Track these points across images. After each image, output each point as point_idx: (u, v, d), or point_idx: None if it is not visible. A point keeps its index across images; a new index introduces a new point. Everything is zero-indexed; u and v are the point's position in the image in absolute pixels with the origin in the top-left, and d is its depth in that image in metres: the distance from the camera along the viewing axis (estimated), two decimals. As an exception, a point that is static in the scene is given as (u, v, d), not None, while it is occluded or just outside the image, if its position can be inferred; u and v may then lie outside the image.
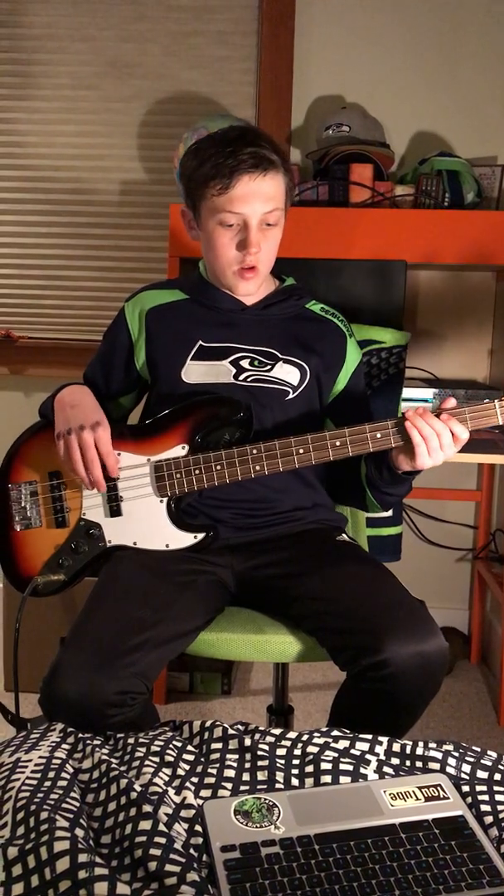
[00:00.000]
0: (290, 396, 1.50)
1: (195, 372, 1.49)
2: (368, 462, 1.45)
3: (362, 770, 1.00)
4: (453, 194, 2.18)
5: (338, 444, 1.37)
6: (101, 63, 2.55)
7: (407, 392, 1.99)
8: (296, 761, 1.02)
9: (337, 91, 2.47)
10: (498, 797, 0.96)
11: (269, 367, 1.50)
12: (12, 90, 2.58)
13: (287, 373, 1.50)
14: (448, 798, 0.95)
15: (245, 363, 1.49)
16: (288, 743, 1.05)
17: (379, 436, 1.36)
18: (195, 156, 1.44)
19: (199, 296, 1.54)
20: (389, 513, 1.88)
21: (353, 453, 1.37)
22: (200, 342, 1.50)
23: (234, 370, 1.48)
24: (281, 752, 1.03)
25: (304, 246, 2.09)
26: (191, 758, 1.02)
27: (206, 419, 1.42)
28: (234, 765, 1.00)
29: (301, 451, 1.38)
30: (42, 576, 1.45)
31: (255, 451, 1.38)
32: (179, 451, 1.43)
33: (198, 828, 0.90)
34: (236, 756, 1.02)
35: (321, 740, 1.05)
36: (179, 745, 1.04)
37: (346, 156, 2.19)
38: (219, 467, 1.39)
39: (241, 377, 1.48)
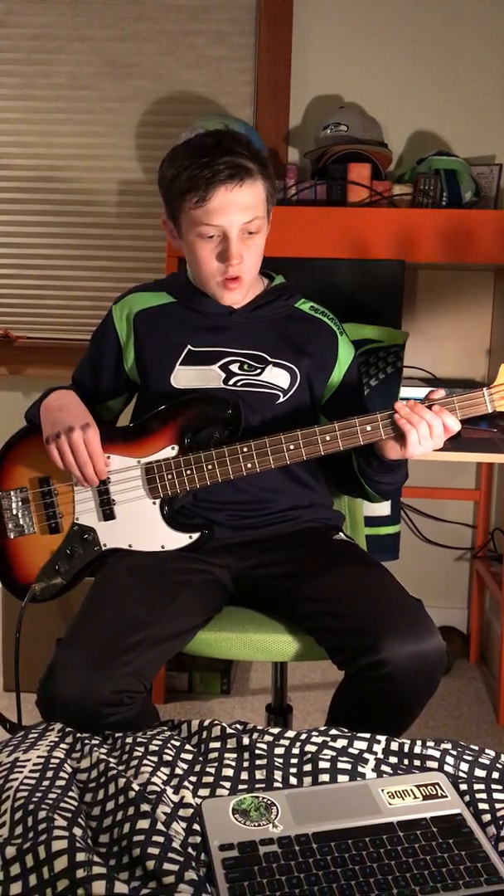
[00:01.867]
0: (281, 400, 1.49)
1: (184, 377, 1.48)
2: (357, 454, 1.45)
3: (360, 769, 1.00)
4: (451, 193, 2.18)
5: (328, 438, 1.37)
6: (99, 63, 2.55)
7: (405, 391, 1.99)
8: (294, 760, 1.02)
9: (335, 91, 2.47)
10: (496, 795, 0.96)
11: (258, 370, 1.49)
12: (11, 90, 2.58)
13: (277, 376, 1.49)
14: (446, 797, 0.95)
15: (234, 367, 1.48)
16: (286, 742, 1.05)
17: (369, 428, 1.36)
18: (171, 165, 1.42)
19: (186, 300, 1.53)
20: (387, 511, 1.88)
21: (344, 447, 1.37)
22: (189, 347, 1.50)
23: (223, 375, 1.48)
24: (279, 750, 1.03)
25: (302, 245, 2.09)
26: (189, 757, 1.02)
27: (195, 418, 1.42)
28: (233, 764, 1.01)
29: (291, 447, 1.37)
30: (38, 583, 1.44)
31: (245, 450, 1.38)
32: (170, 451, 1.42)
33: (196, 827, 0.90)
34: (234, 755, 1.02)
35: (319, 739, 1.05)
36: (178, 744, 1.04)
37: (343, 155, 2.19)
38: (210, 467, 1.39)
39: (231, 382, 1.48)
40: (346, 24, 2.44)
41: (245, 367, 1.48)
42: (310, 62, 2.46)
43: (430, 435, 1.32)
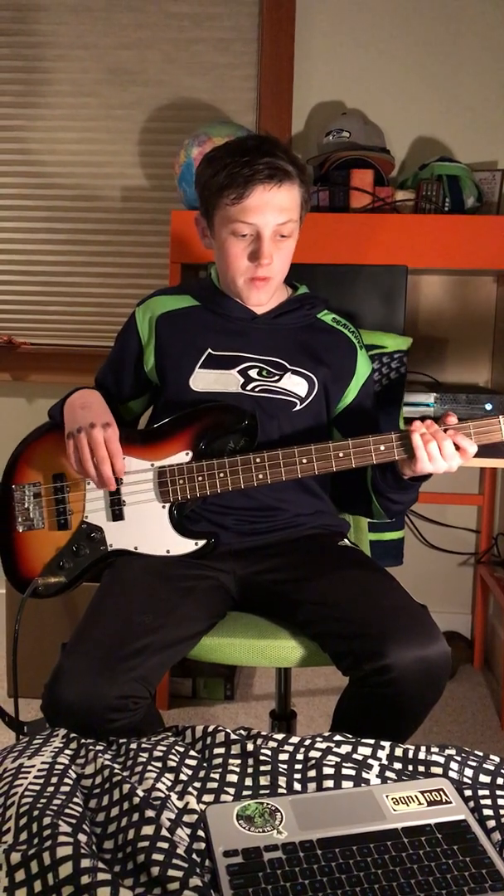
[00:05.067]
0: (298, 408, 1.50)
1: (203, 380, 1.49)
2: (374, 467, 1.45)
3: (364, 775, 1.00)
4: (454, 199, 2.19)
5: (341, 455, 1.37)
6: (103, 70, 2.56)
7: (409, 397, 2.00)
8: (298, 766, 1.02)
9: (337, 97, 2.48)
10: (500, 801, 0.96)
11: (277, 377, 1.50)
12: (15, 97, 2.59)
13: (295, 384, 1.50)
14: (450, 802, 0.95)
15: (253, 373, 1.49)
16: (290, 748, 1.05)
17: (382, 448, 1.36)
18: (210, 164, 1.43)
19: (210, 303, 1.54)
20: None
21: (357, 465, 1.37)
22: (210, 350, 1.50)
23: (242, 380, 1.49)
24: (283, 756, 1.03)
25: (305, 251, 2.08)
26: (193, 763, 1.02)
27: (211, 426, 1.43)
28: (237, 770, 1.00)
29: (304, 461, 1.38)
30: (42, 577, 1.45)
31: (258, 460, 1.39)
32: (183, 457, 1.43)
33: (200, 833, 0.90)
34: (239, 761, 1.02)
35: (323, 745, 1.05)
36: (182, 750, 1.04)
37: (346, 161, 2.20)
38: (222, 475, 1.40)
39: (249, 387, 1.48)
40: (348, 31, 2.44)
41: (264, 373, 1.49)
42: (312, 69, 2.47)
43: (440, 454, 1.32)
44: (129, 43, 2.54)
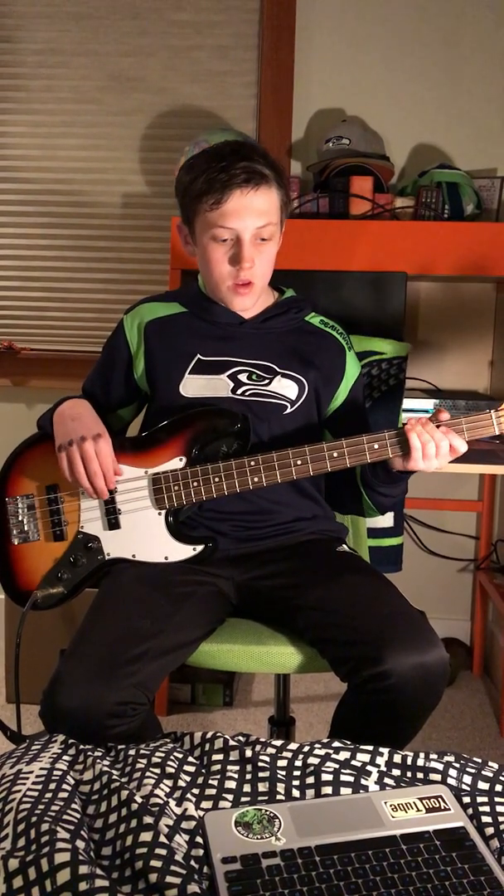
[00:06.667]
0: (289, 410, 1.50)
1: (193, 386, 1.49)
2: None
3: (363, 781, 1.00)
4: (453, 206, 2.19)
5: (335, 455, 1.37)
6: (103, 77, 2.57)
7: (407, 403, 2.00)
8: (297, 773, 1.02)
9: (337, 104, 2.48)
10: (499, 808, 0.96)
11: (267, 381, 1.50)
12: (15, 104, 2.60)
13: (285, 387, 1.50)
14: (449, 809, 0.95)
15: (243, 377, 1.49)
16: (289, 754, 1.05)
17: (376, 447, 1.37)
18: (189, 171, 1.44)
19: (197, 309, 1.55)
20: (390, 523, 1.88)
21: (351, 464, 1.38)
22: (199, 356, 1.51)
23: (231, 384, 1.49)
24: (282, 763, 1.03)
25: (304, 258, 2.10)
26: (192, 769, 1.02)
27: (203, 431, 1.43)
28: (235, 776, 1.00)
29: (299, 462, 1.38)
30: (41, 589, 1.45)
31: (252, 464, 1.39)
32: (177, 463, 1.43)
33: (199, 839, 0.90)
34: (237, 767, 1.02)
35: (322, 751, 1.05)
36: (180, 756, 1.04)
37: (346, 168, 2.21)
38: (217, 479, 1.40)
39: (239, 391, 1.49)
40: (348, 38, 2.45)
41: (253, 377, 1.49)
42: (312, 76, 2.48)
43: (435, 454, 1.33)
44: (130, 50, 2.55)
